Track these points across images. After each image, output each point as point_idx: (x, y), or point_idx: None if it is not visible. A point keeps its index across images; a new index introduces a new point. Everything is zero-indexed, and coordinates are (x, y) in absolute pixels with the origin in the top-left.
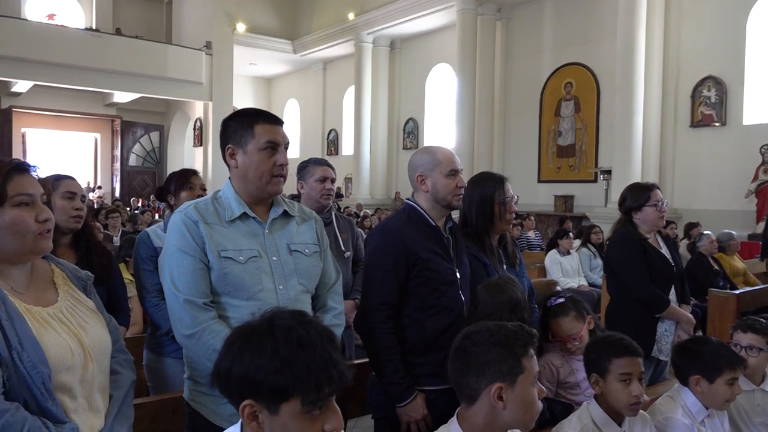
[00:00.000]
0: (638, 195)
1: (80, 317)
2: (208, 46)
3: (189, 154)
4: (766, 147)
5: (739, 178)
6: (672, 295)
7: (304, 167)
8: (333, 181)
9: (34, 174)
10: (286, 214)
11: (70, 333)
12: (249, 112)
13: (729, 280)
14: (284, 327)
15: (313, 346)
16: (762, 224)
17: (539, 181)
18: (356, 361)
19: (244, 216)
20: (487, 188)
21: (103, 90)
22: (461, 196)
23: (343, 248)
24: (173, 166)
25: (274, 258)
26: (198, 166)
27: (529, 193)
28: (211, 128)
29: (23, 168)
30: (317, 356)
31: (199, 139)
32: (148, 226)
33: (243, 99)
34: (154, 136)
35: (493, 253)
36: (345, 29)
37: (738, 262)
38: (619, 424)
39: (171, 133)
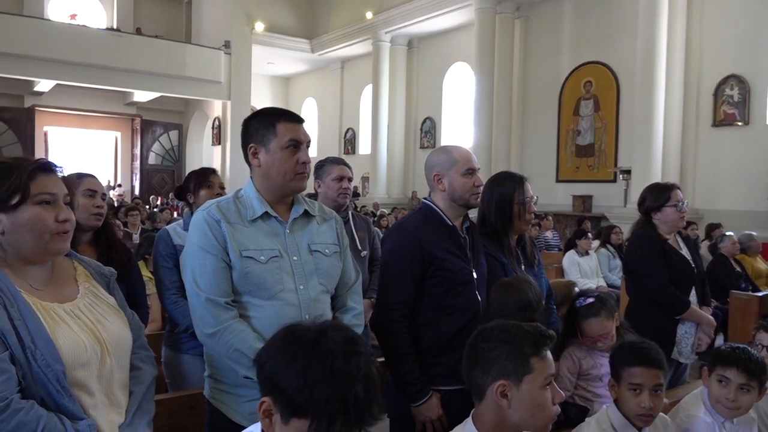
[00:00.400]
0: (658, 195)
1: (99, 313)
2: (227, 45)
3: (207, 153)
4: None
5: (762, 179)
6: (692, 297)
7: (321, 166)
8: (350, 180)
9: (59, 174)
10: (306, 214)
11: (86, 329)
12: (270, 111)
13: (751, 282)
14: (326, 350)
15: (344, 379)
16: None
17: (557, 180)
18: None
19: (265, 215)
20: (507, 188)
21: (124, 89)
22: (478, 195)
23: (359, 247)
24: (192, 164)
25: (295, 258)
26: (216, 165)
27: (547, 192)
28: (229, 127)
29: (48, 168)
30: (342, 391)
31: (218, 138)
32: (167, 224)
33: (261, 98)
34: (173, 134)
35: (511, 253)
36: (363, 28)
37: (761, 264)
38: (639, 429)
39: (190, 132)
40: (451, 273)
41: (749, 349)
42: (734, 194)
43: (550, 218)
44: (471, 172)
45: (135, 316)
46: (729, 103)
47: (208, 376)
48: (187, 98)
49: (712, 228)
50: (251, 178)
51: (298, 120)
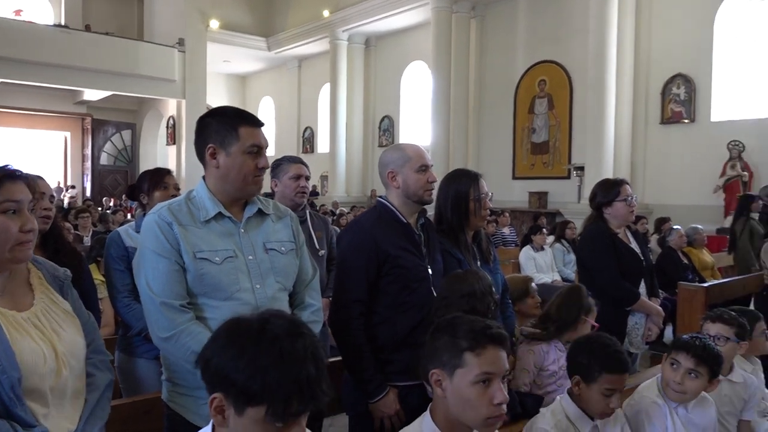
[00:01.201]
0: (608, 190)
1: (55, 321)
2: (181, 43)
3: (162, 153)
4: (733, 143)
5: (707, 174)
6: (642, 289)
7: (278, 165)
8: (307, 178)
9: (24, 180)
10: (260, 213)
11: (45, 339)
12: (230, 112)
13: (698, 274)
14: (272, 335)
15: (293, 360)
16: (729, 218)
17: (514, 177)
18: (331, 359)
19: (218, 216)
20: (462, 185)
21: (73, 88)
22: (432, 191)
23: (317, 246)
24: (146, 164)
25: (251, 257)
26: (171, 165)
27: (504, 189)
28: (184, 126)
29: (14, 175)
30: (294, 372)
31: (173, 138)
32: (120, 225)
33: (217, 97)
34: (126, 134)
35: (467, 249)
36: (320, 26)
37: (706, 256)
38: (592, 419)
39: (143, 132)
40: (405, 270)
41: (706, 339)
42: (681, 189)
43: (507, 214)
44: (424, 168)
45: (91, 317)
46: (676, 102)
47: (166, 380)
48: (140, 97)
49: (661, 222)
50: (203, 178)
51: (259, 124)
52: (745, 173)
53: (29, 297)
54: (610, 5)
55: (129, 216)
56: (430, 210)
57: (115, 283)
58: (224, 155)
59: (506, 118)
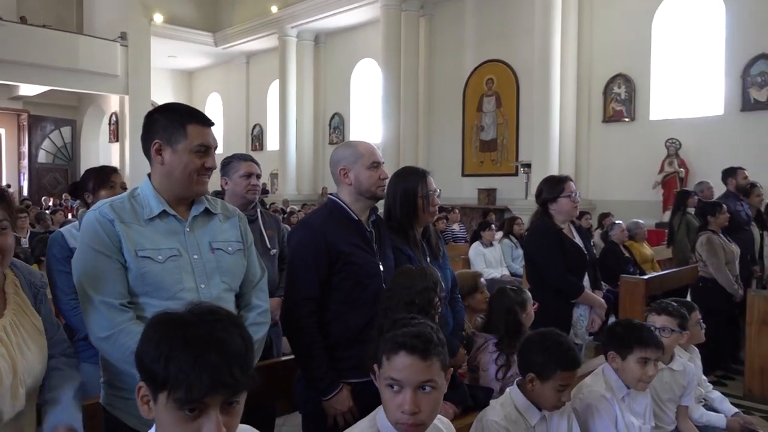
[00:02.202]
0: (553, 187)
1: (21, 337)
2: (123, 37)
3: (105, 150)
4: (670, 141)
5: (646, 171)
6: (585, 282)
7: (227, 163)
8: (258, 176)
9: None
10: (208, 212)
11: (7, 358)
12: (180, 109)
13: (638, 266)
14: (183, 321)
15: (198, 345)
16: (668, 213)
17: (463, 175)
18: (283, 358)
19: (163, 214)
20: (410, 182)
21: (8, 82)
22: (384, 187)
23: (269, 245)
24: (87, 162)
25: (195, 256)
26: (114, 163)
27: (453, 186)
28: (128, 123)
29: None
30: (196, 357)
31: (115, 135)
32: (61, 226)
33: (162, 93)
34: (66, 131)
35: (417, 246)
36: (268, 22)
37: (647, 249)
38: (540, 410)
39: (84, 129)
40: (357, 267)
41: (642, 323)
42: (623, 185)
43: (457, 211)
44: (376, 165)
45: (60, 328)
46: (617, 101)
47: (105, 383)
48: (80, 92)
49: (604, 217)
50: (149, 175)
51: (209, 123)
52: (682, 170)
53: (1, 306)
54: (554, 5)
55: (70, 216)
56: (379, 207)
57: (60, 286)
58: (170, 152)
59: (455, 115)
